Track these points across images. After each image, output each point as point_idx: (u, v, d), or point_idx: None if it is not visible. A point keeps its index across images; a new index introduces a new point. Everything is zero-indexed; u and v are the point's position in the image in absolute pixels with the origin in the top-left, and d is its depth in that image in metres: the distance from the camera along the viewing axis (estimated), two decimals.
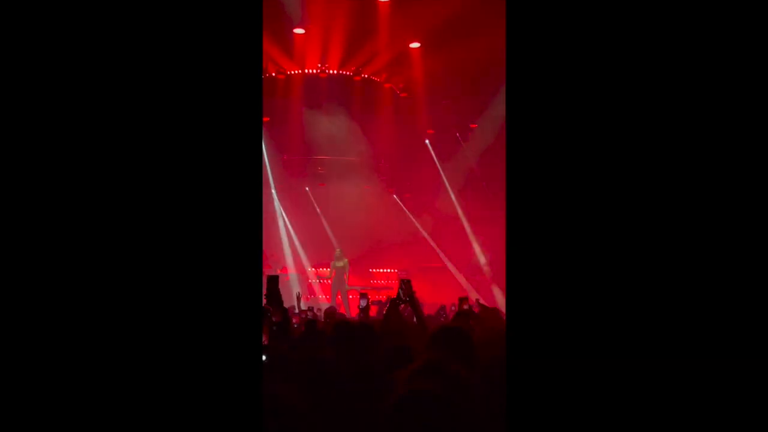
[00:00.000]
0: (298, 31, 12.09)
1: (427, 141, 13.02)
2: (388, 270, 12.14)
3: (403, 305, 4.85)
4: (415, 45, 12.36)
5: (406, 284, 4.93)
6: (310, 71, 12.52)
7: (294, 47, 12.28)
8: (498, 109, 11.44)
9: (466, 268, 12.48)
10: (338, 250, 11.24)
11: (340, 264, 11.06)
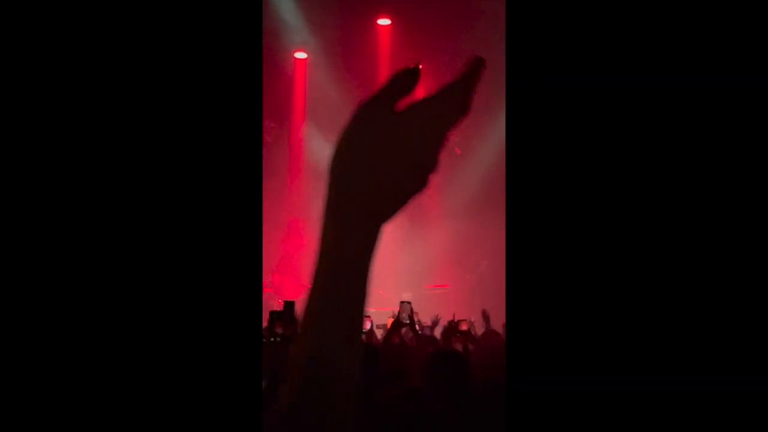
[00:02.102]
0: (300, 55, 12.19)
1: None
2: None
3: (405, 329, 4.81)
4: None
5: (404, 306, 4.90)
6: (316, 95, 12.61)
7: (295, 70, 12.37)
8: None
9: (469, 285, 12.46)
10: None
11: None
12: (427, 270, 12.65)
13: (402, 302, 5.00)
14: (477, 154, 12.43)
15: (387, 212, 0.72)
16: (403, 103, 0.74)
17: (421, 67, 0.76)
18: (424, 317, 6.73)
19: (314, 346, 0.69)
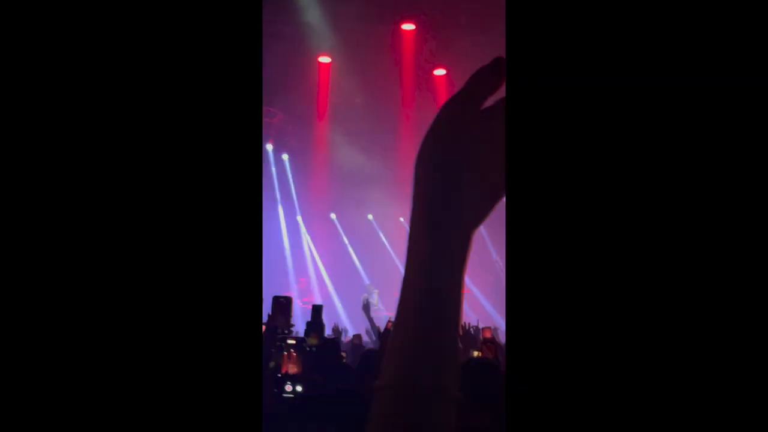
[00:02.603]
0: (324, 59, 12.24)
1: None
2: None
3: None
4: (440, 72, 12.44)
5: None
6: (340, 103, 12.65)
7: (319, 75, 12.43)
8: None
9: (489, 291, 12.40)
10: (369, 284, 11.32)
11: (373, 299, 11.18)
12: None
13: None
14: None
15: (477, 217, 0.67)
16: (488, 101, 0.70)
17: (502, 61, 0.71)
18: None
19: (411, 365, 0.63)
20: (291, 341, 3.45)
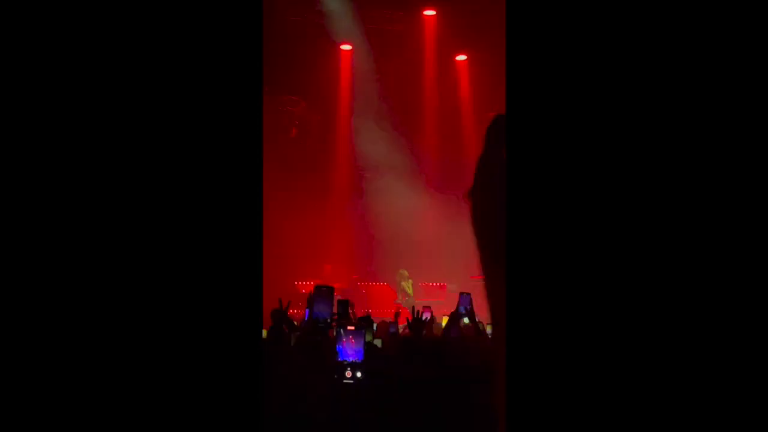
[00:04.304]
0: (345, 47, 12.21)
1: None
2: (436, 283, 12.03)
3: (462, 321, 4.75)
4: (461, 57, 12.35)
5: (464, 297, 4.83)
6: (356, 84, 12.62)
7: (341, 62, 12.41)
8: None
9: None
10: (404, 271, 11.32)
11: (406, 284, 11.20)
12: (471, 261, 12.55)
13: (461, 293, 4.93)
14: None
15: None
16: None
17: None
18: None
19: None
20: (350, 327, 3.55)
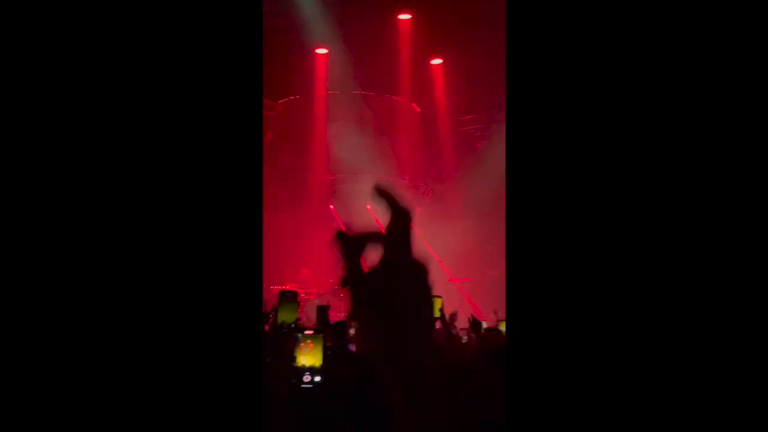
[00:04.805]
0: (321, 51, 12.22)
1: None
2: None
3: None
4: (437, 61, 12.43)
5: (434, 301, 4.84)
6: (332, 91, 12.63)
7: (316, 66, 12.41)
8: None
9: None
10: None
11: None
12: (448, 265, 12.63)
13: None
14: (498, 149, 12.37)
15: None
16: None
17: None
18: (449, 310, 6.69)
19: None
20: (309, 332, 3.54)
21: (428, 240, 12.30)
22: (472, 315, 5.67)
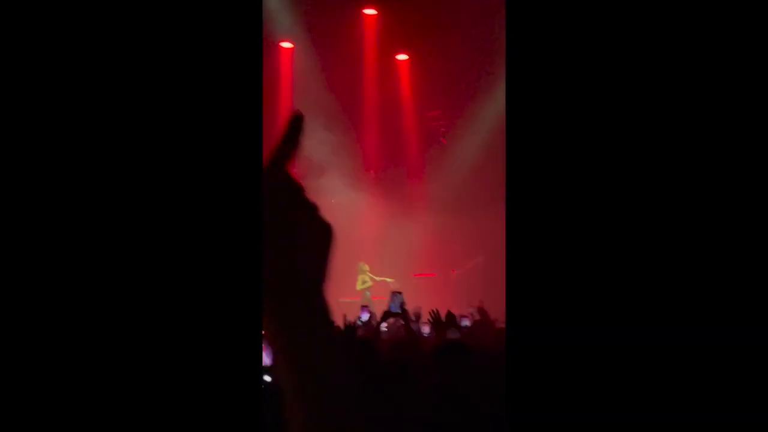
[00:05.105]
0: (286, 45, 12.14)
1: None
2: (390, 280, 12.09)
3: (393, 319, 4.78)
4: (402, 57, 12.44)
5: (395, 296, 4.88)
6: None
7: (281, 60, 12.33)
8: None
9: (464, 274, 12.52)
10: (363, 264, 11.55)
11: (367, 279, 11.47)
12: (414, 260, 12.69)
13: (393, 293, 4.97)
14: (463, 145, 12.45)
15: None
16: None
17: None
18: (412, 305, 6.71)
19: None
20: None
21: (393, 235, 12.36)
22: (434, 310, 5.70)
